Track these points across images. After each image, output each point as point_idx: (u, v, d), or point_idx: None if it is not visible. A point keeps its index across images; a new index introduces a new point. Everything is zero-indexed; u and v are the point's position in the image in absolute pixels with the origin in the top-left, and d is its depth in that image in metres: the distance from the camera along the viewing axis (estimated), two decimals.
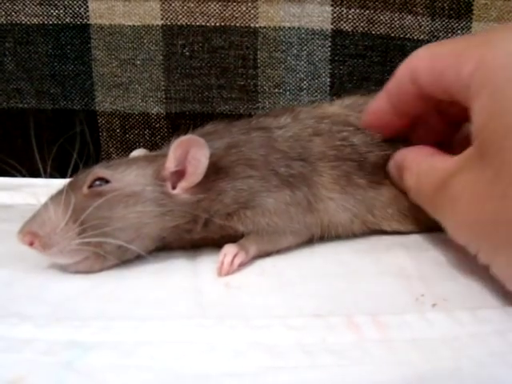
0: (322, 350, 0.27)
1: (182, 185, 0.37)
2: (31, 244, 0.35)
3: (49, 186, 0.52)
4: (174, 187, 0.37)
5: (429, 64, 0.36)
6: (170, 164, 0.37)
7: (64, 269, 0.36)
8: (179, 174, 0.37)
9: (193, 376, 0.26)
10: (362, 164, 0.41)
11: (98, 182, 0.37)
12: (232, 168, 0.38)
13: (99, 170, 0.37)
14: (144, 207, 0.36)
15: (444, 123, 0.41)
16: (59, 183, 0.52)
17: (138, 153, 0.44)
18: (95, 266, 0.36)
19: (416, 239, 0.41)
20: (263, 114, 0.45)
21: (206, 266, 0.36)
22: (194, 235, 0.38)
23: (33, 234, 0.35)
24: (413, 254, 0.37)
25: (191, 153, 0.36)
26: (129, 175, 0.37)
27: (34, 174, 0.54)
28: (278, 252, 0.39)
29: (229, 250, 0.36)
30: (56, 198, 0.37)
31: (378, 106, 0.41)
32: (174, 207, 0.36)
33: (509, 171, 0.29)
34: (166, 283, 0.34)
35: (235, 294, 0.33)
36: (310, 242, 0.40)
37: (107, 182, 0.37)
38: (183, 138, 0.36)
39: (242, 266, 0.36)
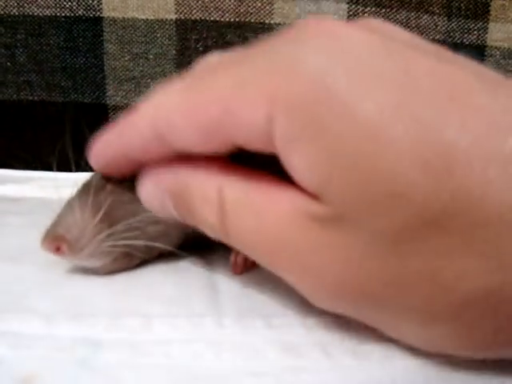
0: (343, 351, 0.26)
1: None
2: (58, 249, 0.33)
3: (58, 180, 0.52)
4: None
5: (188, 119, 0.25)
6: None
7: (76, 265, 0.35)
8: None
9: (211, 376, 0.25)
10: None
11: None
12: None
13: None
14: None
15: None
16: (68, 177, 0.52)
17: None
18: (122, 266, 0.35)
19: None
20: None
21: (220, 263, 0.36)
22: None
23: (59, 238, 0.33)
24: None
25: None
26: None
27: (43, 166, 0.54)
28: None
29: None
30: (78, 198, 0.35)
31: (107, 156, 0.32)
32: None
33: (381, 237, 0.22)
34: (180, 280, 0.34)
35: (252, 292, 0.32)
36: None
37: None
38: None
39: (256, 264, 0.36)
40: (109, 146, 0.31)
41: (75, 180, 0.40)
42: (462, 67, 0.23)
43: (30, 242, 0.37)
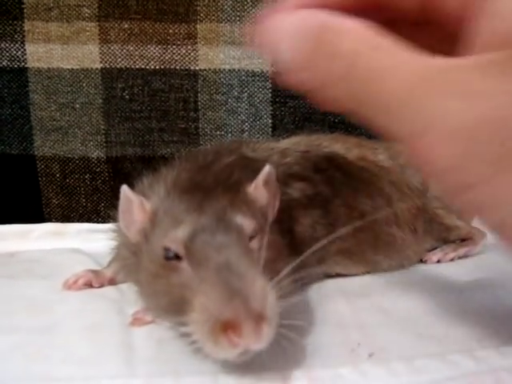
0: None
1: None
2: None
3: None
4: None
5: None
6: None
7: None
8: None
9: None
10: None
11: None
12: None
13: None
14: None
15: None
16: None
17: None
18: None
19: (359, 283, 0.41)
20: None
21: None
22: None
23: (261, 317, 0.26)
24: (352, 301, 0.37)
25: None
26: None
27: None
28: None
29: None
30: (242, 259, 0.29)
31: None
32: None
33: None
34: (96, 339, 0.33)
35: (167, 349, 0.32)
36: None
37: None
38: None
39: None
40: None
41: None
42: None
43: None
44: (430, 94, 0.23)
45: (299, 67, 0.25)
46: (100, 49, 0.53)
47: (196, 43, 0.52)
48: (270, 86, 0.53)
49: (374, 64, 0.24)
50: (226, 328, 0.25)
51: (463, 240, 0.47)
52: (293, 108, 0.54)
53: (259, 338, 0.25)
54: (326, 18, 0.25)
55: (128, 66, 0.53)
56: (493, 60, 0.22)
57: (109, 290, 0.40)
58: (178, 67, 0.53)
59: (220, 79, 0.53)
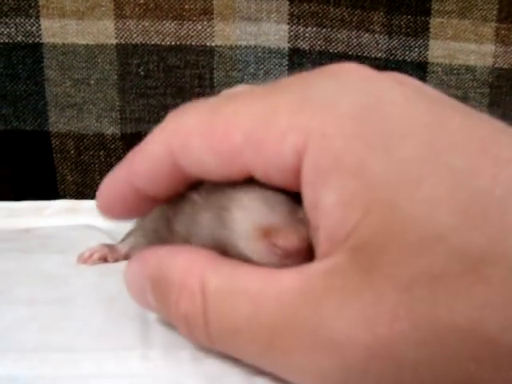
0: (267, 381, 0.26)
1: None
2: None
3: (1, 209, 0.51)
4: None
5: (208, 142, 0.24)
6: None
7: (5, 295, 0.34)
8: None
9: None
10: None
11: None
12: None
13: None
14: None
15: None
16: (12, 206, 0.51)
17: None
18: None
19: None
20: None
21: None
22: None
23: None
24: None
25: None
26: None
27: None
28: None
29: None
30: None
31: (115, 189, 0.28)
32: None
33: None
34: (112, 312, 0.33)
35: None
36: None
37: None
38: None
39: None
40: (116, 177, 0.28)
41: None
42: (488, 122, 0.24)
43: None
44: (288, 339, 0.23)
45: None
46: (115, 24, 0.52)
47: (212, 19, 0.52)
48: (287, 63, 0.53)
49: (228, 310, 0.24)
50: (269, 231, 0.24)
51: None
52: None
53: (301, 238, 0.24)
54: (163, 263, 0.27)
55: (143, 42, 0.52)
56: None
57: (124, 265, 0.40)
58: (193, 43, 0.52)
59: (236, 56, 0.53)
